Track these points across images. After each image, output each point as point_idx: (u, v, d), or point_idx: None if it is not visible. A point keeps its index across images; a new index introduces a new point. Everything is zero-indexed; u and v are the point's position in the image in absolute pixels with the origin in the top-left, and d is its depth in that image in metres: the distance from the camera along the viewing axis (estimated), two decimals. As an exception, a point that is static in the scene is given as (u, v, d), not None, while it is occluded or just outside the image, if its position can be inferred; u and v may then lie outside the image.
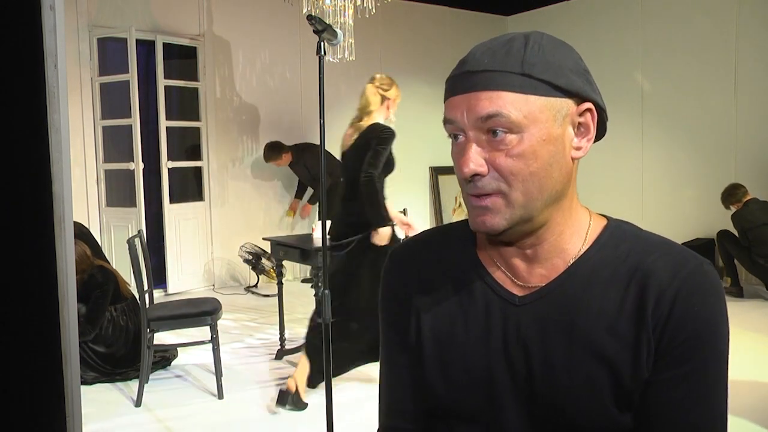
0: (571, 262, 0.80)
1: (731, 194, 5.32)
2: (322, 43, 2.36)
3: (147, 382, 3.42)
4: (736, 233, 5.40)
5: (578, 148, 0.79)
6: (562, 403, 0.78)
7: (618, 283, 0.77)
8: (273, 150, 6.11)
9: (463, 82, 0.78)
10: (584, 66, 0.79)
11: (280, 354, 4.03)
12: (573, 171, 0.80)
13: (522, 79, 0.74)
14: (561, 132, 0.76)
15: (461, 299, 0.86)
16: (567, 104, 0.76)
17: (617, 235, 0.81)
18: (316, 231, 4.02)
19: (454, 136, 0.81)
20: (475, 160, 0.76)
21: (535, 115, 0.74)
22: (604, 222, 0.84)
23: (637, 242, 0.80)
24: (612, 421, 0.76)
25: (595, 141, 0.82)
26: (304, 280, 6.47)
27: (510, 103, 0.74)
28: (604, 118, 0.81)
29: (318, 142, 2.51)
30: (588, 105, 0.78)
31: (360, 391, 3.51)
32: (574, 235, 0.81)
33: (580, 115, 0.78)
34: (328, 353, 2.46)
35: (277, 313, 4.07)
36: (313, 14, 2.39)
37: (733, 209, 5.33)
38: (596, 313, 0.77)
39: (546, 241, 0.81)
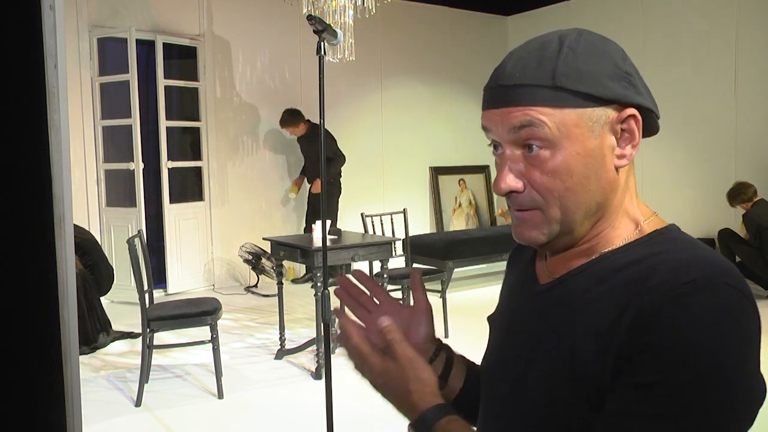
0: (591, 258, 0.78)
1: (741, 192, 5.28)
2: (322, 43, 2.37)
3: (147, 382, 3.42)
4: (737, 232, 5.39)
5: (621, 156, 0.75)
6: (533, 404, 0.76)
7: (619, 288, 0.72)
8: (292, 115, 6.05)
9: (496, 96, 0.76)
10: (626, 68, 0.74)
11: (280, 354, 4.03)
12: (619, 179, 0.76)
13: (554, 92, 0.72)
14: (599, 143, 0.73)
15: (512, 288, 0.92)
16: (605, 113, 0.73)
17: (655, 241, 0.75)
18: (316, 231, 4.02)
19: (494, 146, 0.79)
20: (510, 177, 0.76)
21: (568, 129, 0.72)
22: (653, 229, 0.78)
23: (663, 250, 0.73)
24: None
25: (646, 136, 0.79)
26: (293, 281, 6.45)
27: (543, 115, 0.72)
28: (653, 118, 0.77)
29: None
30: (631, 111, 0.74)
31: (359, 389, 3.51)
32: (615, 239, 0.78)
33: (622, 122, 0.74)
34: (328, 353, 2.46)
35: (277, 313, 4.07)
36: (313, 14, 2.39)
37: (741, 208, 5.31)
38: (588, 313, 0.73)
39: (587, 243, 0.79)
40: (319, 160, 6.43)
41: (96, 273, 4.53)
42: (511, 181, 0.75)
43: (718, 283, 0.66)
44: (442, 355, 0.96)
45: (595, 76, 0.72)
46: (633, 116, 0.74)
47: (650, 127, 0.78)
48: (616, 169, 0.75)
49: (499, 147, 0.78)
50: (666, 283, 0.67)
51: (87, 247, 4.48)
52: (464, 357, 1.01)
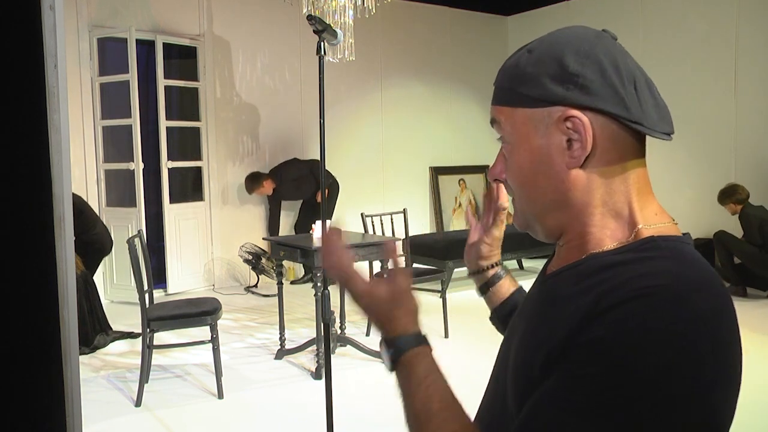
0: (582, 256, 0.78)
1: (736, 192, 5.29)
2: (322, 43, 2.37)
3: (147, 382, 3.42)
4: (731, 233, 5.39)
5: (572, 157, 0.75)
6: (509, 383, 0.79)
7: (590, 288, 0.70)
8: (253, 180, 6.16)
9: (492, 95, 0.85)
10: (576, 69, 0.73)
11: (280, 354, 4.03)
12: (579, 179, 0.76)
13: (508, 92, 0.79)
14: (545, 142, 0.76)
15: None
16: (549, 113, 0.75)
17: (644, 247, 0.73)
18: (316, 231, 4.02)
19: None
20: (496, 167, 0.84)
21: (518, 127, 0.78)
22: (650, 235, 0.75)
23: (646, 256, 0.71)
24: None
25: (670, 136, 0.77)
26: (293, 282, 6.45)
27: (503, 115, 0.80)
28: (624, 120, 0.74)
29: (316, 141, 2.51)
30: (570, 113, 0.73)
31: (359, 389, 3.51)
32: (605, 239, 0.76)
33: (566, 122, 0.74)
34: (328, 353, 2.46)
35: (277, 313, 4.07)
36: (313, 14, 2.39)
37: (731, 208, 5.33)
38: (559, 309, 0.73)
39: (573, 240, 0.80)
40: (300, 184, 6.57)
41: (96, 232, 4.65)
42: (495, 171, 0.84)
43: (671, 297, 0.64)
44: (495, 270, 1.13)
45: (535, 78, 0.76)
46: (574, 117, 0.74)
47: (635, 131, 0.75)
48: (569, 168, 0.76)
49: None
50: (623, 287, 0.67)
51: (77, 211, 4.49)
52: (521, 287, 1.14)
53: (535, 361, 0.72)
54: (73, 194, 4.57)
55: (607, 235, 0.77)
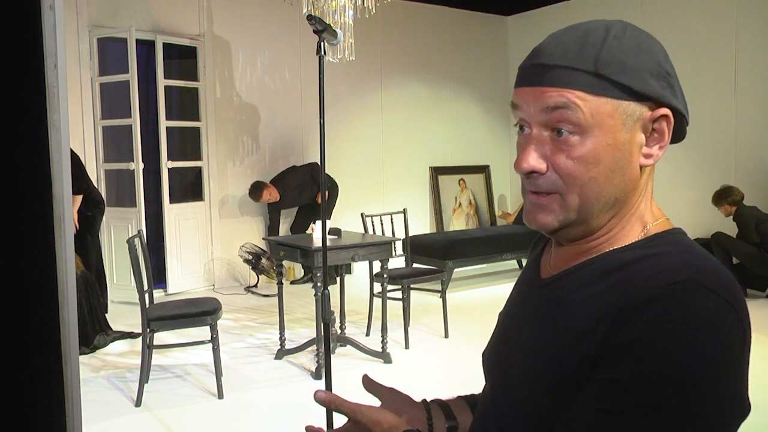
0: (591, 256, 0.77)
1: (732, 194, 5.31)
2: (322, 43, 2.37)
3: (147, 382, 3.42)
4: (728, 234, 5.40)
5: (648, 156, 0.74)
6: (518, 395, 0.77)
7: (610, 288, 0.71)
8: (257, 188, 6.16)
9: (532, 74, 0.75)
10: (667, 68, 0.74)
11: (280, 354, 4.03)
12: (640, 179, 0.76)
13: (593, 78, 0.71)
14: (629, 137, 0.72)
15: (520, 279, 0.91)
16: (640, 108, 0.72)
17: (654, 243, 0.74)
18: (316, 231, 4.02)
19: (520, 127, 0.77)
20: (533, 157, 0.74)
21: (602, 118, 0.71)
22: (657, 231, 0.77)
23: (659, 252, 0.72)
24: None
25: (672, 142, 0.78)
26: (292, 282, 6.45)
27: (579, 99, 0.71)
28: (683, 123, 0.76)
29: (316, 141, 2.51)
30: (664, 111, 0.73)
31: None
32: (620, 240, 0.77)
33: (654, 121, 0.73)
34: (328, 353, 2.46)
35: (277, 313, 4.07)
36: (313, 14, 2.39)
37: (725, 210, 5.35)
38: (577, 311, 0.72)
39: (594, 240, 0.78)
40: (302, 191, 6.65)
41: (96, 191, 4.84)
42: (534, 161, 0.74)
43: (700, 288, 0.65)
44: (436, 410, 0.96)
45: (636, 70, 0.71)
46: (665, 117, 0.73)
47: (678, 133, 0.77)
48: (641, 168, 0.75)
49: (525, 127, 0.76)
50: (649, 283, 0.66)
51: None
52: (461, 396, 1.01)
53: (561, 366, 0.70)
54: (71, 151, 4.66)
55: (623, 235, 0.77)
